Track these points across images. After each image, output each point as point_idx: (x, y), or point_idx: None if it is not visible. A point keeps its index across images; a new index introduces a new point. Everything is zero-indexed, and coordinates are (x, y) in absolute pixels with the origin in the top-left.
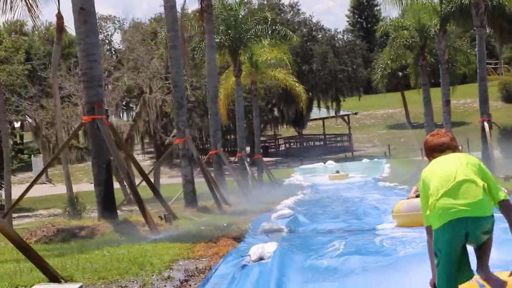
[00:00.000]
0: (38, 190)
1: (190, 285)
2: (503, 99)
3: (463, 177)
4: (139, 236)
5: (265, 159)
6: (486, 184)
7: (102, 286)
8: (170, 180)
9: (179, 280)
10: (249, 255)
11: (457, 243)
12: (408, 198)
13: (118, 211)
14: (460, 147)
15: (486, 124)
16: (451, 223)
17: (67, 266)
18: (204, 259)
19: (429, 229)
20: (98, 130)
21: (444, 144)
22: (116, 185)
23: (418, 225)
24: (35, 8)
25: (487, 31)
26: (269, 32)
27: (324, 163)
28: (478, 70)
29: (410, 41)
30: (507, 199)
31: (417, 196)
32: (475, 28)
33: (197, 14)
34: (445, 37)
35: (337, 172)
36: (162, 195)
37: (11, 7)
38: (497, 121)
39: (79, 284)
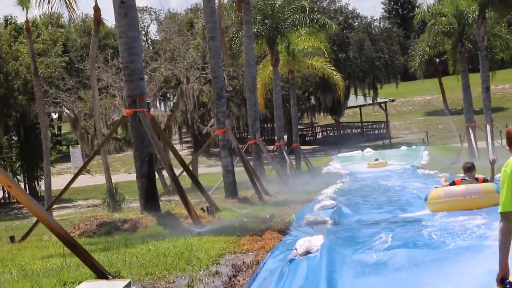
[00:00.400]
0: (77, 181)
1: (239, 281)
2: None
3: None
4: (182, 229)
5: (302, 147)
6: None
7: (150, 281)
8: (208, 169)
9: (227, 275)
10: (295, 249)
11: None
12: (441, 186)
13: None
14: None
15: None
16: None
17: (113, 261)
18: (250, 253)
19: (504, 215)
20: (140, 123)
21: None
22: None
23: (455, 209)
24: (72, 1)
25: None
26: (307, 21)
27: (362, 151)
28: None
29: (448, 27)
30: None
31: (450, 185)
32: None
33: (235, 4)
34: (484, 23)
35: (376, 160)
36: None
37: (48, 1)
38: None
39: (127, 281)
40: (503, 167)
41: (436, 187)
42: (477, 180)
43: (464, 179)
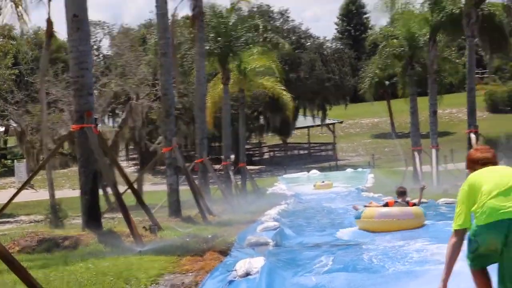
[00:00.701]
0: (20, 196)
1: None
2: (488, 109)
3: None
4: (123, 248)
5: (249, 167)
6: None
7: None
8: (153, 187)
9: None
10: (235, 270)
11: (496, 243)
12: (365, 206)
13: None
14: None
15: (473, 135)
16: (496, 223)
17: (51, 279)
18: (190, 274)
19: (459, 232)
20: (87, 139)
21: (486, 158)
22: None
23: (387, 230)
24: (24, 13)
25: (476, 40)
26: (260, 40)
27: (308, 172)
28: (467, 81)
29: (399, 50)
30: None
31: (384, 206)
32: (464, 38)
33: (188, 21)
34: (435, 46)
35: (323, 181)
36: (145, 203)
37: None
38: (482, 132)
39: None
40: (461, 186)
41: (366, 206)
42: (407, 203)
43: (396, 202)
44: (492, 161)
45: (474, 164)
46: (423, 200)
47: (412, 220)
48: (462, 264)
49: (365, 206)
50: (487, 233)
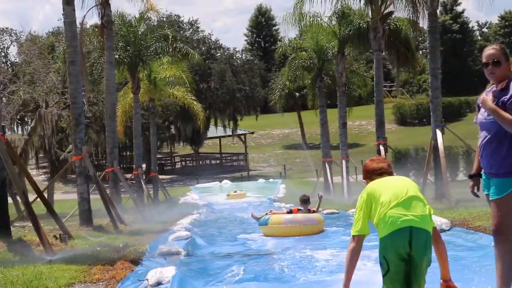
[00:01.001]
0: None
1: None
2: (397, 122)
3: (413, 194)
4: (33, 257)
5: (160, 176)
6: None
7: None
8: (65, 196)
9: None
10: (146, 279)
11: (403, 251)
12: (266, 214)
13: (11, 227)
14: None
15: (381, 147)
16: (399, 231)
17: None
18: (101, 283)
19: (358, 238)
20: None
21: (382, 168)
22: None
23: (293, 235)
24: None
25: (384, 54)
26: (170, 49)
27: (220, 182)
28: (375, 94)
29: (308, 62)
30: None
31: (288, 213)
32: (372, 51)
33: (97, 29)
34: (343, 59)
35: (235, 191)
36: (56, 211)
37: None
38: (391, 144)
39: None
40: (360, 194)
41: (269, 213)
42: (309, 211)
43: (300, 209)
44: (387, 171)
45: (370, 174)
46: (334, 210)
47: (315, 226)
48: (365, 273)
49: (267, 213)
50: (391, 243)
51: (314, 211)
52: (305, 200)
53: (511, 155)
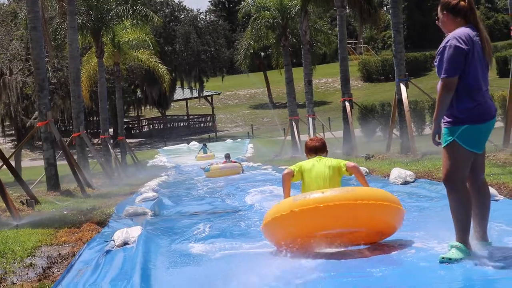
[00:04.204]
0: None
1: (53, 272)
2: (363, 79)
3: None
4: (0, 223)
5: (128, 140)
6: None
7: None
8: (32, 162)
9: (42, 267)
10: (113, 240)
11: None
12: (209, 165)
13: None
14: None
15: (347, 104)
16: None
17: None
18: (67, 245)
19: (288, 174)
20: None
21: (315, 147)
22: None
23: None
24: None
25: (347, 11)
26: (130, 12)
27: (188, 144)
28: (339, 51)
29: (272, 21)
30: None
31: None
32: (335, 8)
33: None
34: (307, 17)
35: (205, 152)
36: (24, 178)
37: None
38: (357, 100)
39: None
40: (296, 164)
41: (212, 165)
42: (231, 161)
43: (225, 161)
44: (320, 149)
45: (309, 151)
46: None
47: (236, 169)
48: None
49: (209, 165)
50: None
51: (234, 161)
52: (227, 156)
53: (451, 106)
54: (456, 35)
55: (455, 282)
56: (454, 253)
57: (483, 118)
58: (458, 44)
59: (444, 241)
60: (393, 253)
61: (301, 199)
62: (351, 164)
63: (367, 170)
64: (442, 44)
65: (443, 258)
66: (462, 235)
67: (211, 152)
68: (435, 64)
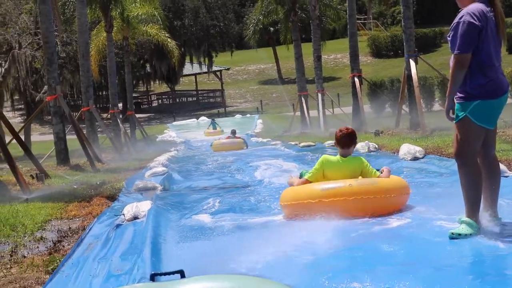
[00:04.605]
0: None
1: (63, 246)
2: (372, 54)
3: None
4: (10, 196)
5: (137, 115)
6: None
7: None
8: (42, 137)
9: (52, 240)
10: (123, 214)
11: None
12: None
13: None
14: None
15: (356, 79)
16: None
17: None
18: (77, 219)
19: (307, 180)
20: None
21: (344, 142)
22: None
23: (229, 150)
24: None
25: None
26: None
27: (197, 119)
28: (348, 26)
29: None
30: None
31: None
32: None
33: None
34: None
35: (214, 128)
36: (33, 153)
37: None
38: (366, 76)
39: None
40: (321, 158)
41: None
42: (235, 137)
43: (230, 137)
44: (352, 143)
45: (337, 143)
46: (310, 143)
47: (239, 145)
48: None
49: (215, 141)
50: None
51: (239, 137)
52: (233, 132)
53: (464, 83)
54: (470, 10)
55: (464, 257)
56: (464, 229)
57: (495, 94)
58: (472, 20)
59: (453, 217)
60: (402, 228)
61: (329, 188)
62: (385, 174)
63: (377, 146)
64: (456, 20)
65: (452, 233)
66: (472, 211)
67: (220, 127)
68: (449, 39)
